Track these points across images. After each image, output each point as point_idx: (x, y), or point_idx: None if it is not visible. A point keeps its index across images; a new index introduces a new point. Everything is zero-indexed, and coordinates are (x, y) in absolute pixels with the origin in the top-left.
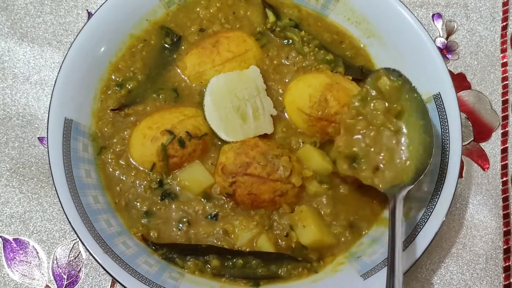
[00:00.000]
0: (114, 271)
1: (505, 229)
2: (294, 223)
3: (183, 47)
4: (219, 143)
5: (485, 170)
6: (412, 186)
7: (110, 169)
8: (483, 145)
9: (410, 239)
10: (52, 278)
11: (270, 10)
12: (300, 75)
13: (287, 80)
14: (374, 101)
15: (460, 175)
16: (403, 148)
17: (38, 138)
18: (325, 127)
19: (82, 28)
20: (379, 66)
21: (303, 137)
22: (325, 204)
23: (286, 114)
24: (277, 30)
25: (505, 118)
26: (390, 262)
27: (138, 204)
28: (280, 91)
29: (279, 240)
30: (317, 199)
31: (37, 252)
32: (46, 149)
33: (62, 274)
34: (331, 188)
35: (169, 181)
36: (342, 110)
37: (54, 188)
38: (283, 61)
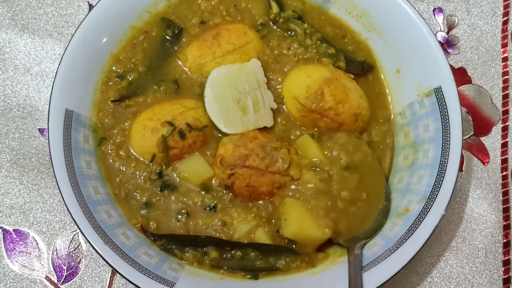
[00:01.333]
0: (114, 262)
1: (504, 223)
2: (280, 215)
3: (184, 39)
4: (219, 135)
5: (485, 164)
6: (368, 240)
7: (110, 160)
8: (483, 139)
9: (410, 232)
10: (52, 269)
11: (274, 1)
12: (301, 65)
13: (286, 70)
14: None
15: (460, 169)
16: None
17: (39, 129)
18: (317, 120)
19: (83, 19)
20: (380, 60)
21: (301, 131)
22: (314, 195)
23: (284, 106)
24: (280, 21)
25: (506, 112)
26: None
27: (138, 195)
28: (279, 80)
29: (276, 233)
30: (306, 186)
31: (37, 243)
32: (47, 141)
33: (62, 265)
34: (323, 181)
35: (168, 172)
36: (337, 107)
37: (54, 179)
38: (284, 51)
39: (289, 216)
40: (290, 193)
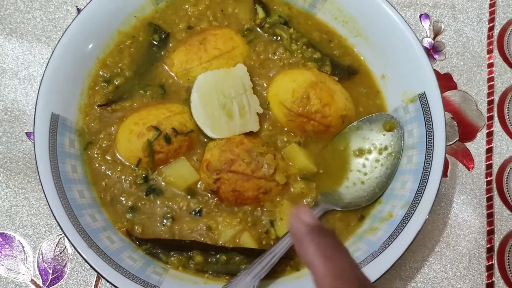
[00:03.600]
0: (98, 266)
1: (488, 228)
2: (275, 216)
3: (171, 44)
4: (205, 140)
5: (470, 169)
6: (338, 209)
7: (96, 164)
8: (468, 145)
9: (393, 237)
10: (37, 272)
11: (260, 6)
12: (286, 70)
13: (271, 75)
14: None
15: (445, 175)
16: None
17: (26, 133)
18: (304, 124)
19: (70, 24)
20: (367, 65)
21: (288, 136)
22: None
23: (270, 112)
24: (266, 27)
25: (491, 118)
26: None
27: (123, 199)
28: (265, 85)
29: (262, 237)
30: (301, 200)
31: (23, 247)
32: (33, 144)
33: (48, 268)
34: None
35: (154, 176)
36: (323, 110)
37: (40, 184)
38: (270, 56)
39: (285, 216)
40: (278, 198)
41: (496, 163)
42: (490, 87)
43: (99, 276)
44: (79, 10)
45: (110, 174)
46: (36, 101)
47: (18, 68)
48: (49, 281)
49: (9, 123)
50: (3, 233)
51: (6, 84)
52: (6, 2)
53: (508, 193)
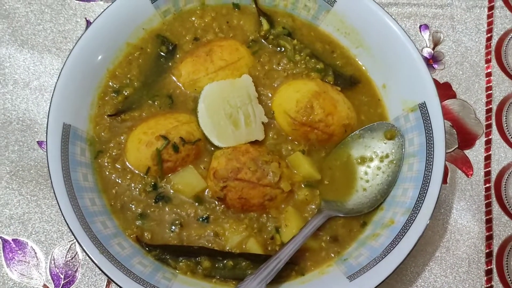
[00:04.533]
0: (109, 271)
1: (487, 233)
2: (280, 223)
3: (178, 55)
4: (212, 148)
5: (469, 176)
6: (341, 216)
7: (107, 173)
8: (467, 152)
9: (395, 243)
10: (49, 277)
11: (265, 18)
12: (290, 80)
13: (276, 85)
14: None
15: (445, 181)
16: (363, 182)
17: (37, 142)
18: (308, 133)
19: (81, 36)
20: (369, 75)
21: (292, 144)
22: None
23: (275, 121)
24: (270, 38)
25: (489, 126)
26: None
27: (133, 206)
28: (269, 95)
29: (268, 243)
30: (305, 207)
31: (35, 253)
32: (45, 153)
33: (60, 274)
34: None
35: (163, 184)
36: (326, 119)
37: (52, 191)
38: (274, 66)
39: (290, 222)
40: (283, 205)
41: (495, 170)
42: (488, 96)
43: (110, 281)
44: (88, 22)
45: (120, 182)
46: (49, 112)
47: (29, 78)
48: (61, 286)
49: (21, 132)
50: (16, 239)
51: (18, 94)
52: (18, 14)
53: (507, 199)
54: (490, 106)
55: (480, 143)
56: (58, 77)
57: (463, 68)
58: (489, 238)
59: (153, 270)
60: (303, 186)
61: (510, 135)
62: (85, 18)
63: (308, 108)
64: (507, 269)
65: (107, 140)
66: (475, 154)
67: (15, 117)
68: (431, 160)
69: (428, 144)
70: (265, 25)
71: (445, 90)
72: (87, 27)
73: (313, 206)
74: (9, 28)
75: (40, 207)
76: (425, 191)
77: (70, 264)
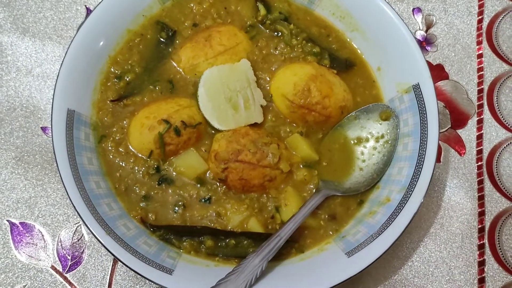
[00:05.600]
0: (116, 251)
1: (479, 210)
2: (280, 202)
3: (177, 41)
4: (212, 131)
5: (462, 155)
6: (339, 195)
7: (111, 156)
8: (460, 131)
9: (391, 220)
10: (57, 259)
11: (261, 4)
12: (287, 64)
13: (273, 69)
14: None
15: (438, 160)
16: (360, 162)
17: (41, 127)
18: (305, 115)
19: (82, 24)
20: (364, 58)
21: (290, 126)
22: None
23: (273, 104)
24: (267, 23)
25: (480, 106)
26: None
27: (137, 188)
28: (267, 79)
29: (268, 222)
30: (304, 187)
31: (43, 235)
32: (49, 138)
33: (67, 255)
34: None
35: (165, 167)
36: (323, 101)
37: (57, 175)
38: (271, 51)
39: (290, 201)
40: (283, 185)
41: (486, 148)
42: (480, 76)
43: (116, 261)
44: (88, 9)
45: (123, 165)
46: (53, 98)
47: (32, 65)
48: (68, 266)
49: (25, 118)
50: (24, 222)
51: (21, 81)
52: (19, 2)
53: (498, 177)
54: (482, 86)
55: (472, 122)
56: (61, 64)
57: (455, 50)
58: (481, 214)
59: (158, 249)
60: (301, 166)
61: (501, 115)
62: (85, 5)
63: (305, 91)
64: (498, 243)
65: (110, 124)
66: (468, 133)
67: (19, 104)
68: (425, 139)
69: (422, 124)
70: (262, 11)
71: (438, 72)
72: (87, 14)
73: (312, 186)
74: (10, 16)
75: (46, 191)
76: (420, 170)
77: (77, 245)
